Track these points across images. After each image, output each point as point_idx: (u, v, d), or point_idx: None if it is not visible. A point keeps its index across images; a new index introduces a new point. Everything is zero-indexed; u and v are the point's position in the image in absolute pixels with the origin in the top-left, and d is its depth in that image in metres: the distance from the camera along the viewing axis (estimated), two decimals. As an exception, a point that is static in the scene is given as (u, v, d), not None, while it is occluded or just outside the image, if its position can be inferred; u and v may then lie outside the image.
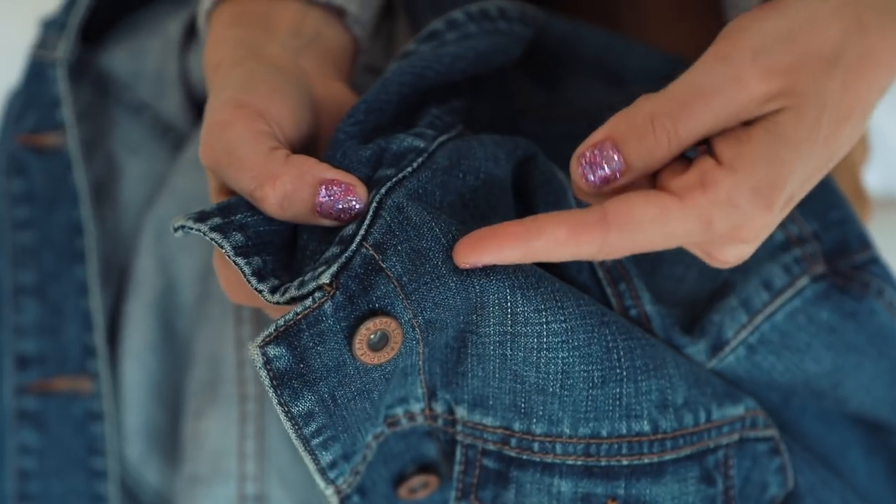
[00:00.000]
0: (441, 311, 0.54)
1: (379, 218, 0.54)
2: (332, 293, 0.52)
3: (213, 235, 0.54)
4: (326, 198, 0.54)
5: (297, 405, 0.52)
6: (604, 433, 0.57)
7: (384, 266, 0.53)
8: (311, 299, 0.52)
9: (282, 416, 0.53)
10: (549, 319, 0.55)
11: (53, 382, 0.73)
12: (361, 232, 0.53)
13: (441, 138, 0.58)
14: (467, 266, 0.53)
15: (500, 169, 0.58)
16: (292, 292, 0.52)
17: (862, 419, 0.66)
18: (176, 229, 0.54)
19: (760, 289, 0.61)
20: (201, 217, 0.54)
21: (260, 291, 0.53)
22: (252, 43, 0.60)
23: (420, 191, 0.55)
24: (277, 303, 0.53)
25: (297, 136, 0.58)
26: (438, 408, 0.58)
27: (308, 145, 0.59)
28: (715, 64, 0.50)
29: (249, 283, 0.53)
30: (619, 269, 0.60)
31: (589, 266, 0.60)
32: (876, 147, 0.85)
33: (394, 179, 0.55)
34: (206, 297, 0.72)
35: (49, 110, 0.74)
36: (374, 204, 0.54)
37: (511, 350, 0.56)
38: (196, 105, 0.76)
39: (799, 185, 0.53)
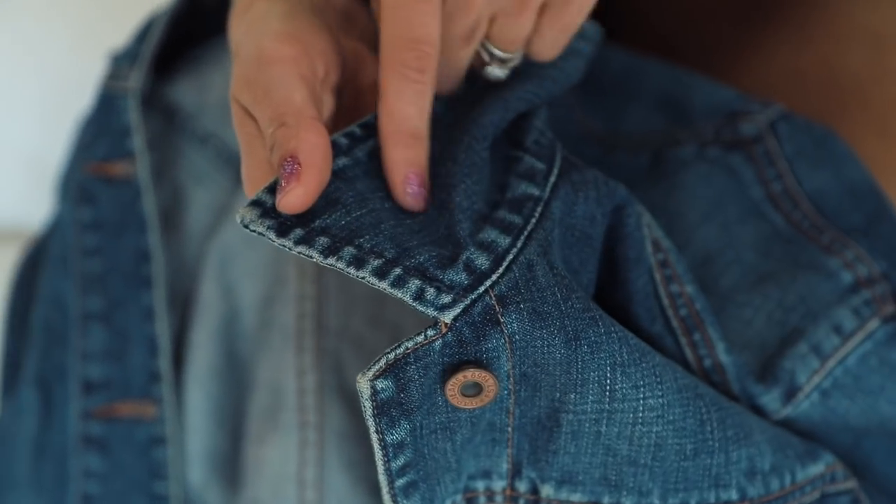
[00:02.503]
0: (541, 372, 0.54)
1: (510, 272, 0.53)
2: (444, 332, 0.52)
3: (300, 249, 0.53)
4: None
5: (392, 434, 0.52)
6: (692, 503, 0.57)
7: (502, 320, 0.53)
8: (423, 335, 0.52)
9: (375, 446, 0.53)
10: (646, 395, 0.55)
11: (118, 407, 0.74)
12: (491, 279, 0.53)
13: (551, 179, 0.58)
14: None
15: (595, 229, 0.58)
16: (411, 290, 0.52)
17: None
18: (251, 229, 0.54)
19: (831, 333, 0.61)
20: (281, 230, 0.53)
21: (363, 278, 0.52)
22: None
23: (544, 246, 0.55)
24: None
25: (339, 71, 0.59)
26: (521, 487, 0.58)
27: (349, 85, 0.60)
28: None
29: (350, 274, 0.53)
30: (693, 318, 0.60)
31: (662, 315, 0.60)
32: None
33: (525, 234, 0.55)
34: (267, 324, 0.73)
35: (119, 140, 0.75)
36: (511, 256, 0.54)
37: (606, 427, 0.55)
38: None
39: None
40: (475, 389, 0.54)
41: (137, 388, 0.74)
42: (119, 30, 0.85)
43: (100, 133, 0.76)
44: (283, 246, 0.53)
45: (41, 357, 0.78)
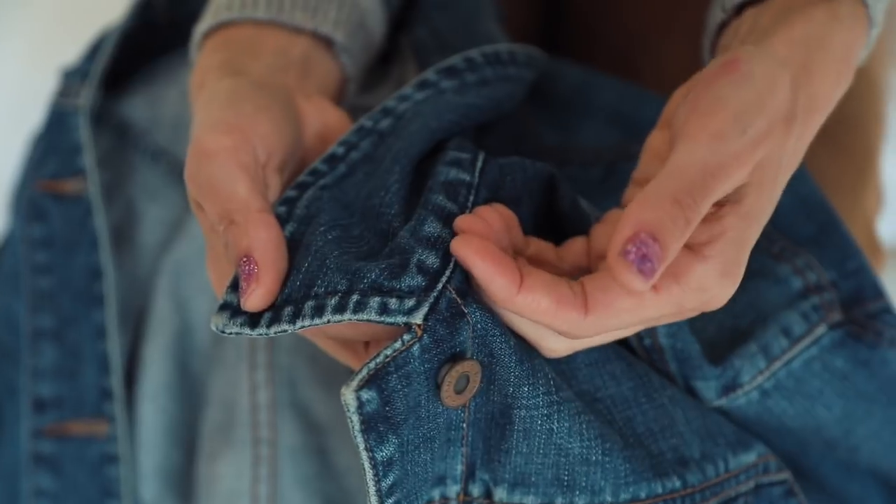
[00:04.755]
0: (496, 364, 0.54)
1: (460, 265, 0.54)
2: (420, 335, 0.52)
3: (274, 329, 0.53)
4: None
5: (381, 450, 0.52)
6: (643, 495, 0.57)
7: (466, 311, 0.53)
8: (399, 342, 0.52)
9: (366, 464, 0.52)
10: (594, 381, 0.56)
11: (70, 426, 0.74)
12: (446, 275, 0.53)
13: (478, 165, 0.58)
14: (453, 255, 0.53)
15: (521, 211, 0.58)
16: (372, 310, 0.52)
17: (879, 473, 0.66)
18: (227, 332, 0.54)
19: (780, 336, 0.61)
20: (253, 322, 0.54)
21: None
22: (236, 63, 0.62)
23: None
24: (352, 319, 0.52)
25: (282, 152, 0.59)
26: (475, 490, 0.58)
27: (293, 159, 0.60)
28: (713, 142, 0.51)
29: (316, 325, 0.53)
30: None
31: None
32: (889, 198, 0.85)
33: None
34: (220, 340, 0.73)
35: (70, 157, 0.75)
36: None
37: (557, 423, 0.56)
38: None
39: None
40: (464, 383, 0.54)
41: (89, 406, 0.74)
42: (74, 45, 0.84)
43: (50, 150, 0.76)
44: (260, 335, 0.54)
45: (-8, 375, 0.78)
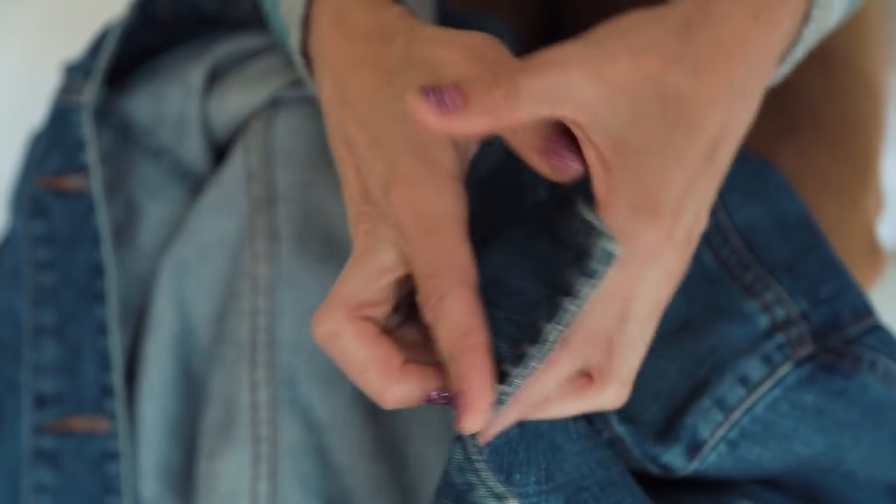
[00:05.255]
0: None
1: None
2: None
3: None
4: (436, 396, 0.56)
5: None
6: None
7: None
8: None
9: None
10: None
11: (70, 422, 0.74)
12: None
13: None
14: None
15: None
16: None
17: (886, 483, 0.66)
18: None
19: (736, 385, 0.61)
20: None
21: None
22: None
23: None
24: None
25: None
26: None
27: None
28: (585, 43, 0.52)
29: None
30: None
31: None
32: (889, 200, 0.85)
33: None
34: (221, 338, 0.73)
35: (73, 153, 0.75)
36: None
37: None
38: (216, 149, 0.77)
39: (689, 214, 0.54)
40: None
41: (90, 402, 0.74)
42: (74, 42, 0.84)
43: (53, 147, 0.76)
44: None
45: (-7, 371, 0.78)
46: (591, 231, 0.51)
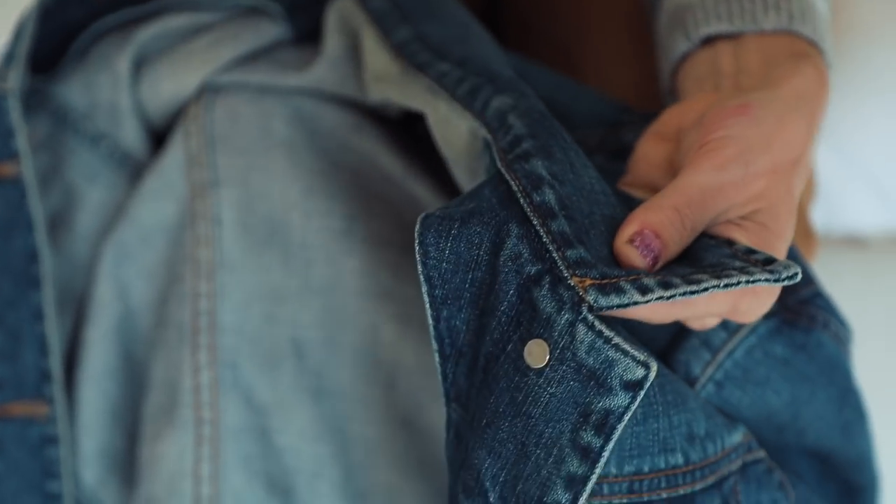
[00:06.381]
0: None
1: None
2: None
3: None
4: None
5: None
6: (646, 469, 0.59)
7: None
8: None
9: None
10: None
11: (10, 407, 0.74)
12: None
13: None
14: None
15: None
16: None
17: (814, 452, 0.68)
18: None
19: (718, 328, 0.63)
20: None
21: None
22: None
23: None
24: None
25: None
26: None
27: None
28: (715, 171, 0.57)
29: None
30: None
31: None
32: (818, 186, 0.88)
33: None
34: (163, 322, 0.73)
35: (4, 140, 0.75)
36: None
37: None
38: (154, 135, 0.77)
39: None
40: None
41: (30, 387, 0.74)
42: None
43: None
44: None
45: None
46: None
